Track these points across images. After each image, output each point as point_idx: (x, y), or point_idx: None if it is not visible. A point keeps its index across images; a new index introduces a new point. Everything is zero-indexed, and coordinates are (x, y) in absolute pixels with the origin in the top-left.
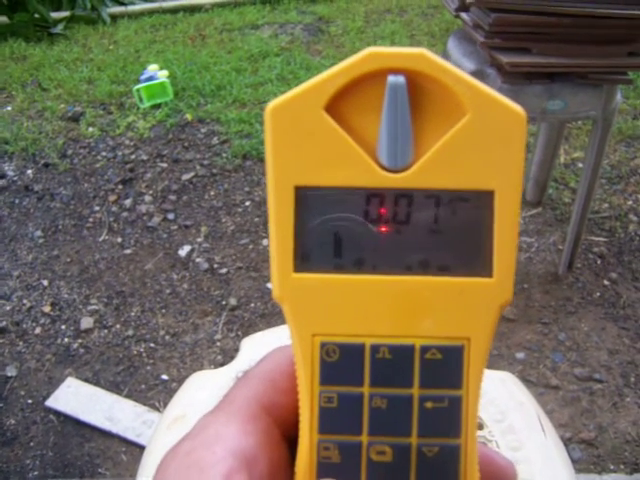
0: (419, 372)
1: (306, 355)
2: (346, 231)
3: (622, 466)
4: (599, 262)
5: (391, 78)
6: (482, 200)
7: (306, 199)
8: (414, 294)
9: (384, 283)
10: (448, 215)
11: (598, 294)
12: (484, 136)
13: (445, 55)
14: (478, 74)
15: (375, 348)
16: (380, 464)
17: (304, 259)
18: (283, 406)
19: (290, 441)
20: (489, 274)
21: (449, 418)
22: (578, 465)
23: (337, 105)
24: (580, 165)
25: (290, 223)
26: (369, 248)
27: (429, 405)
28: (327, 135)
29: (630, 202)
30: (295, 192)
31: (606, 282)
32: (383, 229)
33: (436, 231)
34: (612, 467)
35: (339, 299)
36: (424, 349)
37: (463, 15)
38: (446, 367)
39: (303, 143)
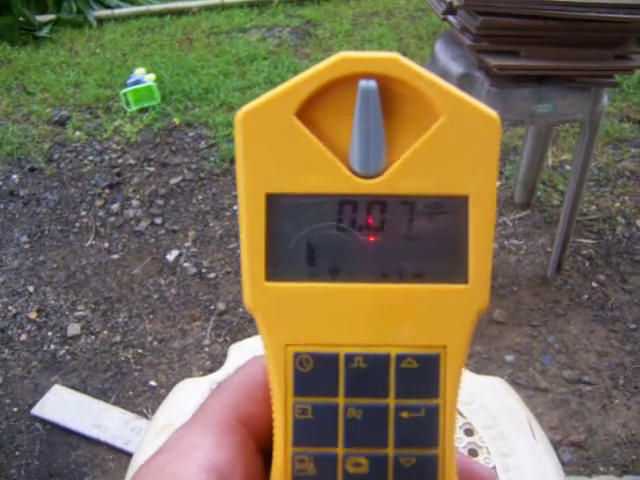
0: (395, 381)
1: (279, 366)
2: (319, 239)
3: (612, 468)
4: (587, 264)
5: (362, 83)
6: (456, 205)
7: (278, 206)
8: (389, 302)
9: (358, 291)
10: (422, 221)
11: (586, 296)
12: (457, 140)
13: (433, 58)
14: (466, 77)
15: (349, 358)
16: (356, 476)
17: (276, 267)
18: (259, 417)
19: (266, 453)
20: (465, 280)
21: (426, 428)
22: (568, 467)
23: (308, 111)
24: (568, 167)
25: (261, 231)
26: (343, 256)
27: (405, 415)
28: (298, 141)
29: (617, 204)
30: (266, 199)
31: (594, 284)
32: (357, 236)
33: (410, 237)
34: (602, 469)
35: (312, 308)
36: (400, 358)
37: (450, 18)
38: (422, 376)
39: (274, 149)
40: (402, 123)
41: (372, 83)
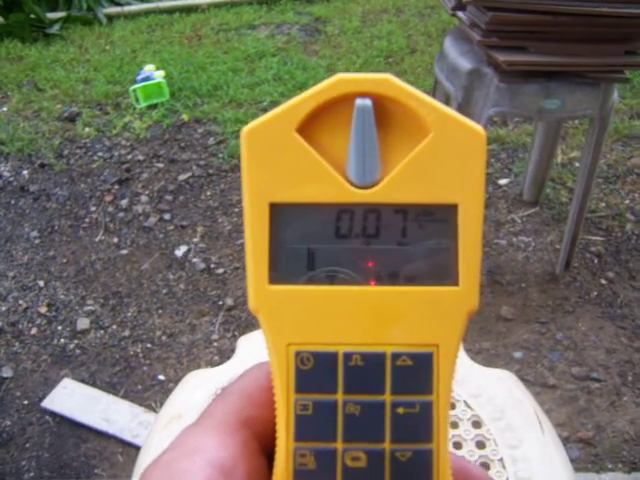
0: (390, 378)
1: (281, 364)
2: (318, 245)
3: (620, 465)
4: (596, 261)
5: (358, 101)
6: (446, 213)
7: (280, 215)
8: (384, 303)
9: (355, 293)
10: (415, 228)
11: (595, 293)
12: (447, 153)
13: (442, 54)
14: (475, 73)
15: (348, 356)
16: (355, 470)
17: (278, 272)
18: (261, 420)
19: (268, 454)
20: (455, 283)
21: (421, 423)
22: (576, 464)
23: (308, 127)
24: (577, 164)
25: (265, 238)
26: (340, 261)
27: (401, 411)
28: (299, 155)
29: (627, 201)
30: (270, 208)
31: (603, 281)
32: (353, 243)
33: (404, 243)
34: (610, 466)
35: (312, 309)
36: (395, 356)
37: (460, 14)
38: (416, 373)
39: (277, 163)
40: (395, 138)
41: (367, 101)
